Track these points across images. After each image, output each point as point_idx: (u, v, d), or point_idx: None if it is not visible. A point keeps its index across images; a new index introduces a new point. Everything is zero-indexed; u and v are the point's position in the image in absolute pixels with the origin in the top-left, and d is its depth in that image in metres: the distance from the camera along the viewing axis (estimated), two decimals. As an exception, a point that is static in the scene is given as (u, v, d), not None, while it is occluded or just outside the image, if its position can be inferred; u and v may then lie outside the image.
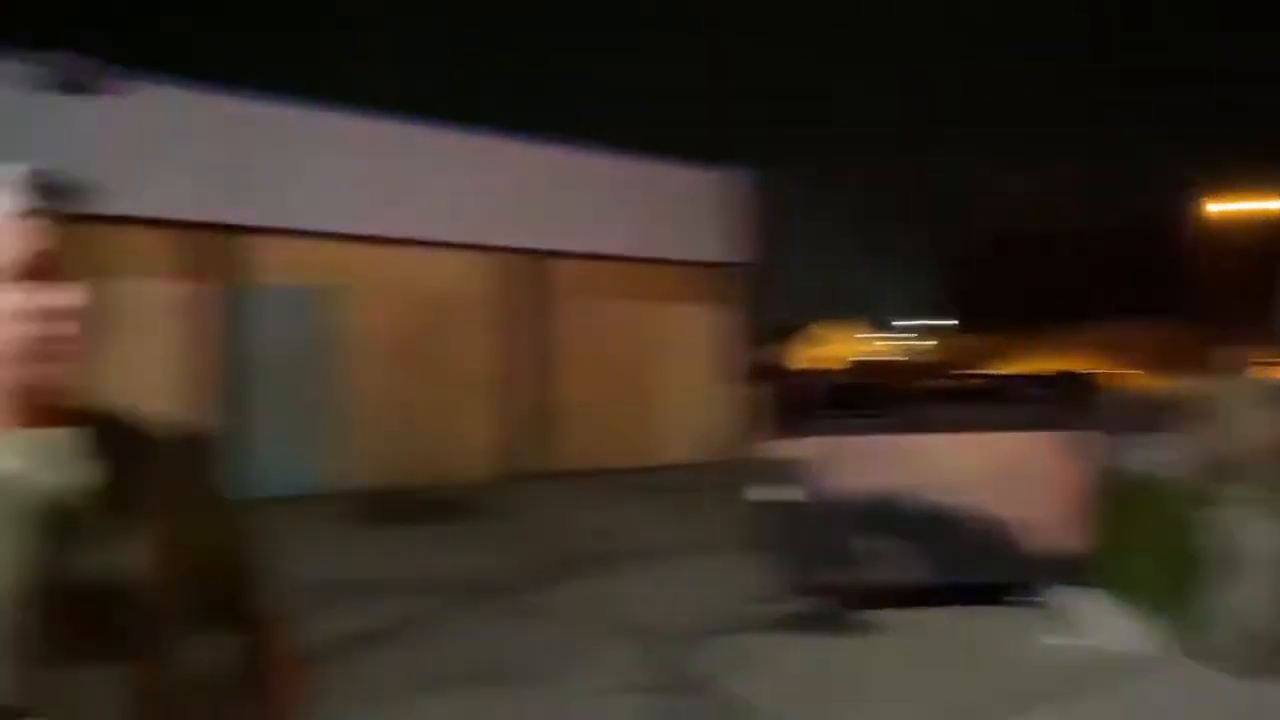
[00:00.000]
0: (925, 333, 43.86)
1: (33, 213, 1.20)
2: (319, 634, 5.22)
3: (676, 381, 15.70)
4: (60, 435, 1.24)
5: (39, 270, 1.19)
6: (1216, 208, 29.18)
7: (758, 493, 7.03)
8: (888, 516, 6.71)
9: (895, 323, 48.11)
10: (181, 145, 11.15)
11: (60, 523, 1.20)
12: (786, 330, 26.00)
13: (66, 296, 1.19)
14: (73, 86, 10.56)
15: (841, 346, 27.76)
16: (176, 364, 11.31)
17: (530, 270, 14.24)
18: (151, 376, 11.05)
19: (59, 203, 1.21)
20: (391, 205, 12.58)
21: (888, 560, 6.71)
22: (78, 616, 1.20)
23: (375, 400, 12.74)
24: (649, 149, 15.59)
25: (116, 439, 1.30)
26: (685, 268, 15.63)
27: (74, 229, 1.24)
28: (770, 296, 17.54)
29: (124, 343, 10.99)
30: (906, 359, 32.75)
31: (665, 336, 15.67)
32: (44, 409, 1.24)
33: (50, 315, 1.19)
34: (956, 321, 38.62)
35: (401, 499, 11.33)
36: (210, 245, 11.53)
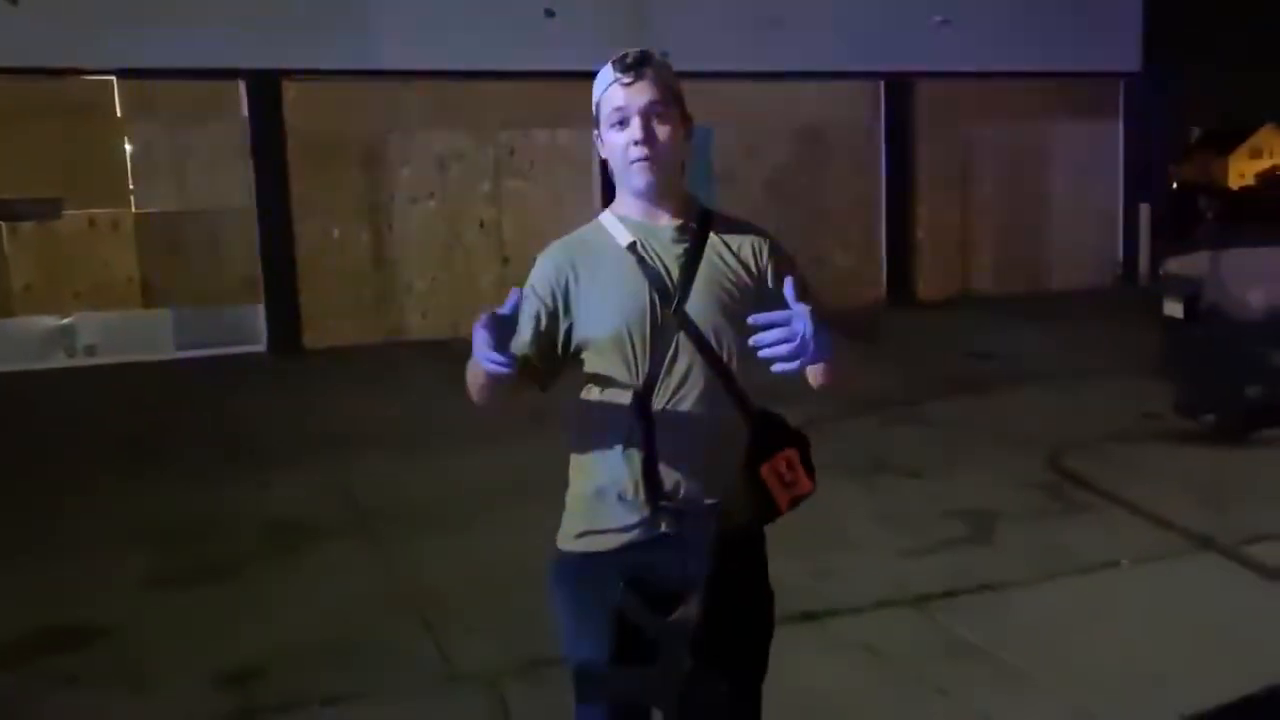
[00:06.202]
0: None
1: (617, 81, 1.88)
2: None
3: (1065, 204, 15.13)
4: (671, 221, 1.96)
5: (625, 116, 1.88)
6: None
7: (1166, 308, 7.09)
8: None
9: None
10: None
11: (671, 277, 1.91)
12: (1200, 142, 23.44)
13: (642, 132, 1.86)
14: None
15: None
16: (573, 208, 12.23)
17: (895, 95, 14.21)
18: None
19: (636, 72, 1.87)
20: (759, 42, 12.86)
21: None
22: (681, 341, 1.90)
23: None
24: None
25: (711, 225, 1.98)
26: (1067, 80, 14.71)
27: (652, 88, 1.88)
28: (1172, 107, 16.01)
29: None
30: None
31: (1049, 156, 15.05)
32: (658, 205, 1.94)
33: (637, 142, 1.88)
34: None
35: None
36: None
